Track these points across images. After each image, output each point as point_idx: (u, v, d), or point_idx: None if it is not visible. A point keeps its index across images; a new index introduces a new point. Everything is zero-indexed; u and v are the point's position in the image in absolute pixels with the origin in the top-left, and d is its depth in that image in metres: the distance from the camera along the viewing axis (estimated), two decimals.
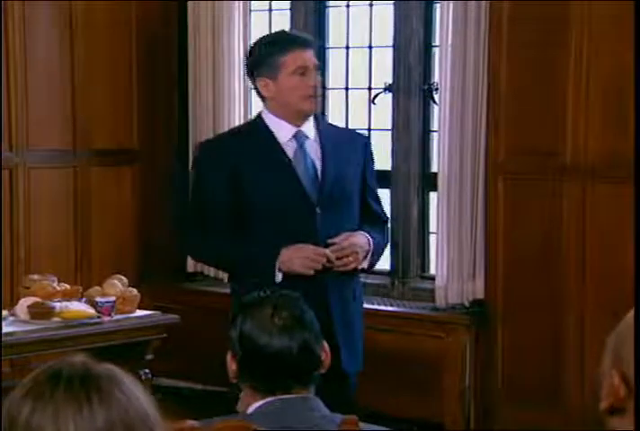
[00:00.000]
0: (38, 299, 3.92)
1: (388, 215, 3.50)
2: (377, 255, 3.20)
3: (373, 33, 5.11)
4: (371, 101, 5.13)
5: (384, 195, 5.11)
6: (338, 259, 3.06)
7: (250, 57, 3.19)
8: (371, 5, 5.13)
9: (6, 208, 5.07)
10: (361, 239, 3.11)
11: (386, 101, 5.08)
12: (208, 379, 5.18)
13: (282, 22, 5.36)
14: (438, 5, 4.78)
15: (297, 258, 3.02)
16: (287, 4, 5.32)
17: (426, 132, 5.00)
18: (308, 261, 3.02)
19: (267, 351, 2.06)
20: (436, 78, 4.86)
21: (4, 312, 3.92)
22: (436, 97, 4.86)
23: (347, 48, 5.22)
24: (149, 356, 4.11)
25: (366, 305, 4.90)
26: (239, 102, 5.29)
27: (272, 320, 2.08)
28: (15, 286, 4.81)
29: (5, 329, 3.78)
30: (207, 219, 3.11)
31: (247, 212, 3.09)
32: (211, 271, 5.43)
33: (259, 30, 5.40)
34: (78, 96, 5.28)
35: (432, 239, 4.94)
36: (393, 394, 4.75)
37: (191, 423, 2.03)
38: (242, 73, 5.27)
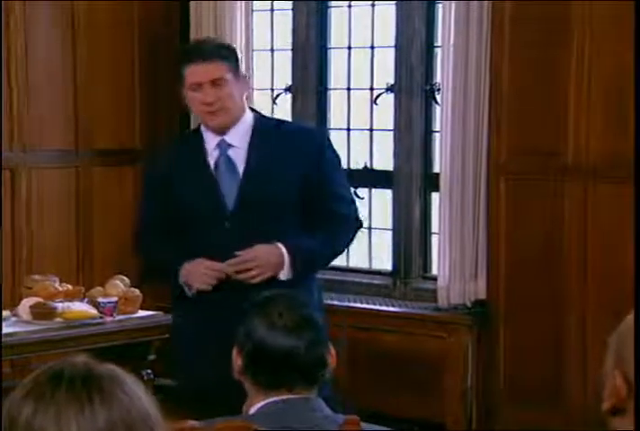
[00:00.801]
0: (40, 299, 3.92)
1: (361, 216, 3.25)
2: (307, 263, 3.02)
3: (375, 33, 5.11)
4: (373, 101, 5.13)
5: (386, 195, 5.15)
6: (241, 272, 2.95)
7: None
8: (373, 6, 5.12)
9: (8, 208, 5.07)
10: (268, 251, 2.96)
11: (388, 101, 5.08)
12: None
13: (284, 22, 5.36)
14: (440, 5, 4.78)
15: (194, 273, 2.98)
16: (289, 5, 5.32)
17: (428, 132, 4.99)
18: (203, 276, 2.96)
19: (274, 347, 2.08)
20: (438, 78, 4.85)
21: (6, 313, 3.92)
22: (438, 97, 4.85)
23: (349, 48, 5.21)
24: (151, 357, 4.11)
25: (368, 306, 4.96)
26: None
27: (281, 318, 2.10)
28: (17, 287, 4.81)
29: (7, 330, 3.78)
30: (143, 223, 3.19)
31: (174, 221, 3.06)
32: None
33: (261, 31, 5.41)
34: (80, 96, 5.28)
35: (434, 239, 4.94)
36: (394, 394, 4.74)
37: (192, 423, 2.03)
38: (243, 71, 5.27)
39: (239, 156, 3.03)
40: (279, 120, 3.41)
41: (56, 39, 5.20)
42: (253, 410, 2.08)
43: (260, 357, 2.09)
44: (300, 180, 3.02)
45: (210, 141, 3.05)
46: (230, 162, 3.03)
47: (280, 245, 2.98)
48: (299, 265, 3.00)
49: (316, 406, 2.10)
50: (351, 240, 3.21)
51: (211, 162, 3.04)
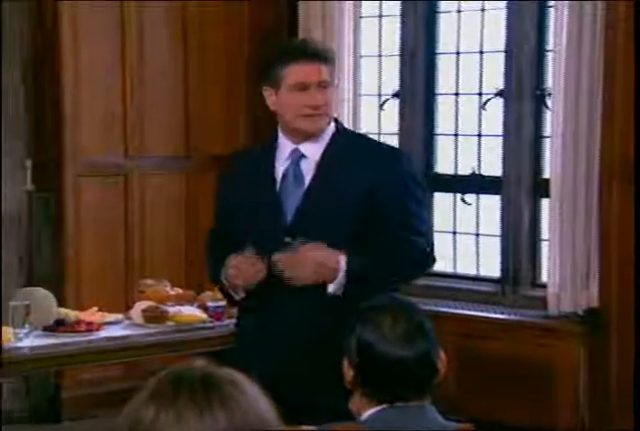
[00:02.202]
0: (152, 303, 3.99)
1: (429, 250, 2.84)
2: (360, 282, 2.73)
3: (484, 38, 5.07)
4: (482, 106, 5.09)
5: (494, 201, 5.09)
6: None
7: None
8: (483, 10, 5.08)
9: (121, 214, 5.17)
10: (328, 258, 2.72)
11: (496, 106, 5.03)
12: None
13: (392, 28, 5.35)
14: (552, 8, 4.72)
15: (236, 270, 2.79)
16: (397, 10, 5.31)
17: (538, 137, 4.93)
18: (245, 274, 2.77)
19: (386, 360, 2.03)
20: (549, 83, 4.79)
21: (119, 316, 4.00)
22: (549, 102, 4.79)
23: (457, 53, 5.18)
24: None
25: (475, 313, 4.91)
26: (347, 107, 5.30)
27: (392, 328, 2.04)
28: (130, 290, 4.91)
29: (120, 333, 3.87)
30: (213, 234, 3.07)
31: (234, 233, 2.88)
32: None
33: (369, 36, 5.41)
34: (191, 101, 5.35)
35: (544, 246, 4.87)
36: (503, 402, 4.69)
37: (307, 428, 2.03)
38: (351, 76, 5.27)
39: (309, 168, 2.84)
40: (360, 135, 3.19)
41: (168, 41, 5.28)
42: (365, 416, 2.07)
43: (372, 369, 2.05)
44: (365, 200, 2.78)
45: (284, 150, 2.87)
46: (299, 174, 2.84)
47: (341, 254, 2.74)
48: (352, 281, 2.74)
49: (429, 413, 2.08)
50: (416, 272, 2.98)
51: (280, 172, 2.85)
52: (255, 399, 1.34)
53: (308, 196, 2.81)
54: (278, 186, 2.84)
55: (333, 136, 2.86)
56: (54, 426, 4.91)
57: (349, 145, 2.87)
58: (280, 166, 2.85)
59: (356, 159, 2.83)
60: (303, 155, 2.85)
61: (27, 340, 3.66)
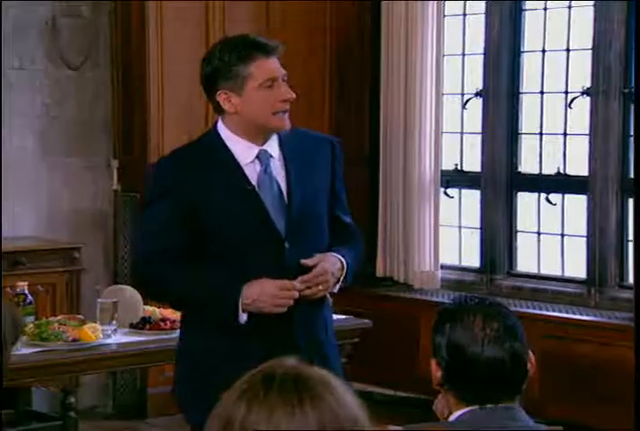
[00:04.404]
0: None
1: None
2: (349, 276, 2.80)
3: (571, 36, 5.00)
4: (568, 105, 5.02)
5: (580, 201, 5.02)
6: (307, 288, 2.70)
7: (207, 66, 2.72)
8: (570, 7, 5.01)
9: None
10: (335, 264, 2.74)
11: (583, 104, 4.96)
12: (398, 384, 5.19)
13: (476, 27, 5.31)
14: None
15: (264, 296, 2.64)
16: (481, 8, 5.27)
17: (626, 136, 4.85)
18: (277, 299, 2.66)
19: (478, 362, 2.01)
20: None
21: None
22: None
23: (543, 51, 5.12)
24: (342, 360, 4.13)
25: (561, 314, 4.85)
26: (430, 106, 5.27)
27: (484, 329, 2.01)
28: None
29: None
30: (157, 252, 2.71)
31: (206, 245, 2.70)
32: (401, 277, 5.42)
33: (452, 35, 5.38)
34: None
35: (631, 246, 4.79)
36: (588, 405, 4.63)
37: (394, 428, 2.02)
38: (434, 75, 5.24)
39: (278, 169, 2.75)
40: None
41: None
42: (453, 417, 2.05)
43: (464, 371, 2.03)
44: (329, 197, 2.83)
45: (246, 153, 2.73)
46: (272, 178, 2.74)
47: (340, 256, 2.77)
48: (348, 277, 2.80)
49: (517, 415, 2.06)
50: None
51: (253, 177, 2.73)
52: (346, 399, 1.35)
53: (292, 201, 2.74)
54: (257, 193, 2.72)
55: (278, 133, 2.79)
56: (139, 422, 4.98)
57: (294, 141, 2.80)
58: (250, 170, 2.73)
59: (312, 154, 2.80)
60: (271, 156, 2.75)
61: (114, 337, 3.72)
